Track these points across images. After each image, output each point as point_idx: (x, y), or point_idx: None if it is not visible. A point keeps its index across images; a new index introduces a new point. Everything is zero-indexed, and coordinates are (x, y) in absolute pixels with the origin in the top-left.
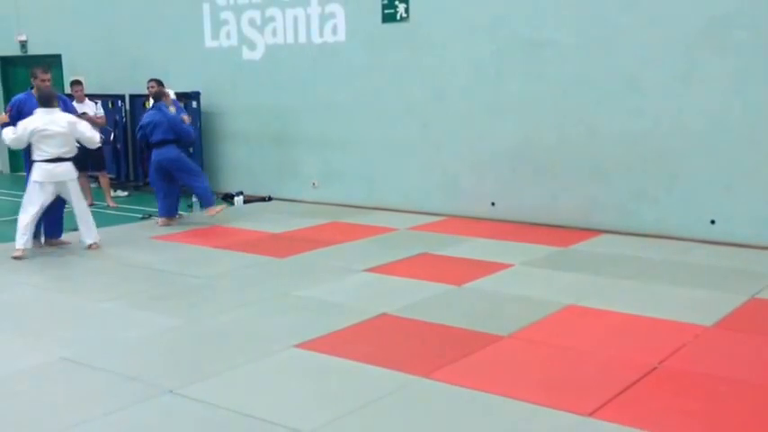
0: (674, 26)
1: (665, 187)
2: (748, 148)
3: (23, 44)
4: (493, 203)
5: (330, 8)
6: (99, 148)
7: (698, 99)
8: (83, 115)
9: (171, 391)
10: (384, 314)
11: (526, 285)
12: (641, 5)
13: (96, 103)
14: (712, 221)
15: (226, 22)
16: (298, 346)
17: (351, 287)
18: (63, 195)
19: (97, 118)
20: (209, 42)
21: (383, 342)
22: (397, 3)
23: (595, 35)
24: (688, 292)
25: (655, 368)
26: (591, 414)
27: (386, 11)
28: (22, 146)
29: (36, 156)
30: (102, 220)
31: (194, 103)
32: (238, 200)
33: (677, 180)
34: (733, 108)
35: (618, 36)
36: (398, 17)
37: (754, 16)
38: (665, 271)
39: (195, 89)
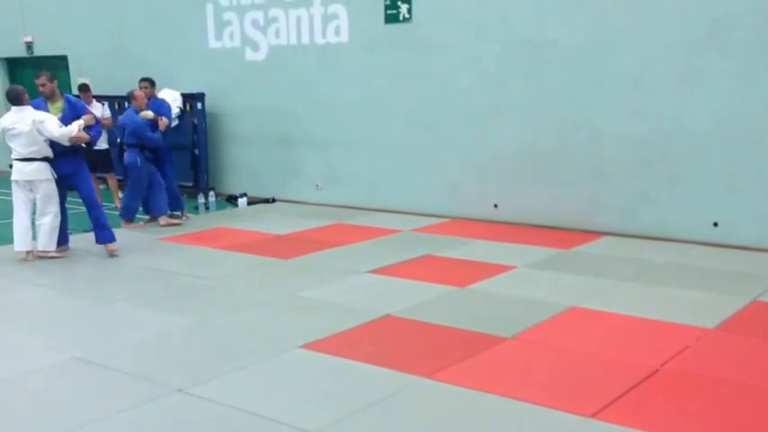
0: (676, 27)
1: (668, 189)
2: (751, 150)
3: (29, 45)
4: (495, 205)
5: (333, 9)
6: (106, 150)
7: (700, 100)
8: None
9: (180, 390)
10: (388, 315)
11: (529, 287)
12: (643, 6)
13: (103, 105)
14: (715, 224)
15: (229, 22)
16: (304, 346)
17: (355, 288)
18: (33, 194)
19: (104, 119)
20: (213, 43)
21: (387, 343)
22: (399, 4)
23: (598, 36)
24: (690, 294)
25: (657, 370)
26: (593, 415)
27: (388, 12)
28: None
29: (12, 154)
30: (109, 222)
31: (199, 105)
32: (242, 201)
33: (680, 182)
34: (736, 109)
35: (620, 37)
36: (401, 18)
37: (757, 17)
38: (667, 273)
39: (200, 90)
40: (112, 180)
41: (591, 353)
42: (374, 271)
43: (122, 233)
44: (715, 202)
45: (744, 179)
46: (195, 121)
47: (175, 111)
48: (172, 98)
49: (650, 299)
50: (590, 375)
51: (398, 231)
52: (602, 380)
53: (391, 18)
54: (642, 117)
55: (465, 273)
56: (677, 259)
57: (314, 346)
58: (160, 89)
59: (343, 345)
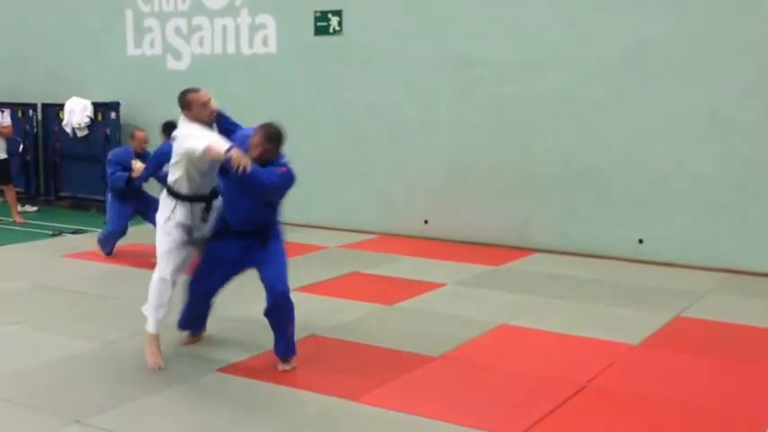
0: (602, 49)
1: (596, 207)
2: (673, 169)
3: None
4: (426, 221)
5: (261, 19)
6: (5, 160)
7: (627, 120)
8: None
9: (77, 421)
10: (312, 335)
11: (458, 305)
12: (573, 27)
13: (2, 112)
14: (640, 240)
15: (150, 29)
16: (220, 369)
17: None
18: None
19: (2, 128)
20: (132, 50)
21: (310, 364)
22: (329, 16)
23: (528, 55)
24: (616, 310)
25: (584, 387)
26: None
27: (318, 23)
28: None
29: None
30: (8, 238)
31: (113, 114)
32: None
33: (607, 199)
34: (659, 129)
35: (550, 57)
36: (331, 30)
37: (680, 41)
38: (594, 290)
39: (116, 99)
40: (11, 192)
41: (519, 371)
42: (299, 289)
43: (27, 249)
44: (641, 220)
45: (667, 197)
46: (108, 131)
47: (85, 120)
48: (81, 107)
49: (578, 316)
50: (517, 394)
51: (325, 248)
52: (530, 398)
53: (321, 30)
54: (570, 135)
55: (393, 290)
56: (604, 276)
57: (231, 369)
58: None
59: (263, 367)
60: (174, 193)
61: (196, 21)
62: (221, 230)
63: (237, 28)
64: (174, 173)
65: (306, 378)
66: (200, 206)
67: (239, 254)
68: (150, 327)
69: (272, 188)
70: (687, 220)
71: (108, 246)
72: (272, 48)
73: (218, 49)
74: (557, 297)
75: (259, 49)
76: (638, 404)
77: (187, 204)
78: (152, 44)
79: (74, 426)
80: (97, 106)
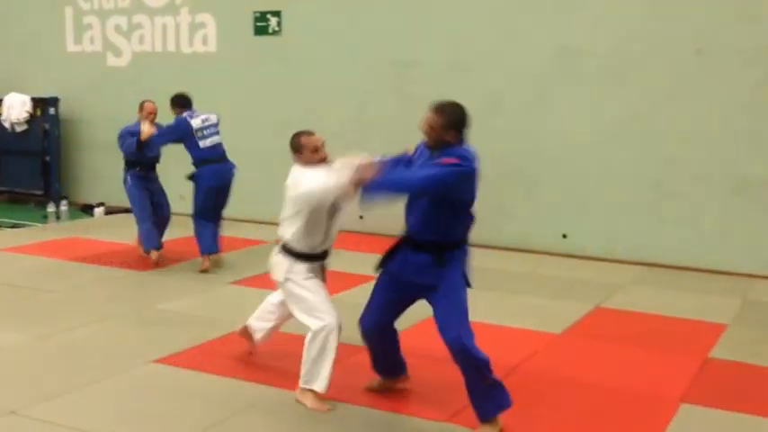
0: (529, 54)
1: (523, 204)
2: (594, 169)
3: None
4: (361, 217)
5: (201, 18)
6: None
7: (553, 122)
8: None
9: (13, 412)
10: (243, 327)
11: None
12: (503, 30)
13: None
14: (564, 236)
15: (89, 26)
16: (157, 361)
17: (217, 300)
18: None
19: None
20: (72, 47)
21: (243, 353)
22: (269, 16)
23: (460, 58)
24: (541, 301)
25: (509, 374)
26: (449, 419)
27: (258, 23)
28: None
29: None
30: None
31: (51, 110)
32: (99, 211)
33: (533, 197)
34: (584, 132)
35: (480, 60)
36: (270, 30)
37: (602, 46)
38: (521, 282)
39: (55, 95)
40: None
41: (446, 359)
42: (237, 282)
43: None
44: (565, 217)
45: (588, 195)
46: (47, 126)
47: (24, 116)
48: (20, 102)
49: (505, 307)
50: (446, 381)
51: (264, 242)
52: (456, 385)
53: (260, 30)
54: (501, 136)
55: (328, 283)
56: (531, 269)
57: (168, 360)
58: (7, 93)
59: (200, 358)
60: (289, 251)
61: (136, 18)
62: (398, 242)
63: (177, 26)
64: (292, 225)
65: (241, 368)
66: (318, 264)
67: (413, 277)
68: (320, 387)
69: (428, 184)
70: (608, 216)
71: (152, 241)
72: (212, 47)
73: (159, 47)
74: (486, 289)
75: (199, 47)
76: (560, 388)
77: (302, 264)
78: (92, 41)
79: (10, 416)
80: (36, 102)
